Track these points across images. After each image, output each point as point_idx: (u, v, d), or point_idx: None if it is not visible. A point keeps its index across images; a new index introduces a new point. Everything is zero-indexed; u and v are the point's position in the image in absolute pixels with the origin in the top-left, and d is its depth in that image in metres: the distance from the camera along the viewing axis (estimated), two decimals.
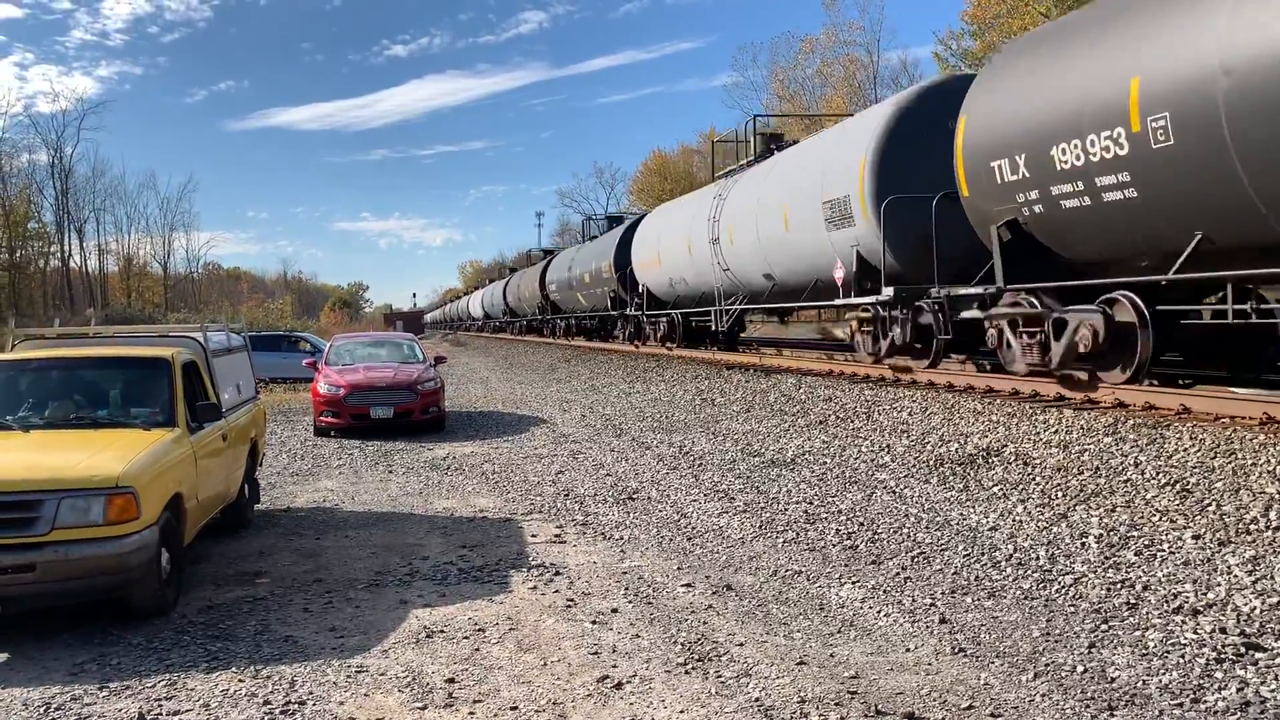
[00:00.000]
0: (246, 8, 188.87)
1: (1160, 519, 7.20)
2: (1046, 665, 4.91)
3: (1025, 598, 6.02)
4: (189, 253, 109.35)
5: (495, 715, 4.67)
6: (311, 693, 4.99)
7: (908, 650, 5.28)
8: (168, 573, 6.44)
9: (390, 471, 12.16)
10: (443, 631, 5.92)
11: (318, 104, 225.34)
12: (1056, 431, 10.15)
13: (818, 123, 46.66)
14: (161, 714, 4.78)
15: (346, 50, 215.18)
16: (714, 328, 25.09)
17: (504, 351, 44.48)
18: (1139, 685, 4.59)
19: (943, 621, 5.67)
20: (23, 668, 5.50)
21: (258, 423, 9.85)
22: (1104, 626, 5.39)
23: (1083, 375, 11.63)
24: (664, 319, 29.60)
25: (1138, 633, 5.26)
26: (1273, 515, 6.74)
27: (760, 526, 8.30)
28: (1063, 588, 6.11)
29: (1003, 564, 6.69)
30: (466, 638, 5.79)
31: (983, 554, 6.95)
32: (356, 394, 15.60)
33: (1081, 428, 10.03)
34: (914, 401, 13.06)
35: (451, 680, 5.11)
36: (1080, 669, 4.83)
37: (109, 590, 6.03)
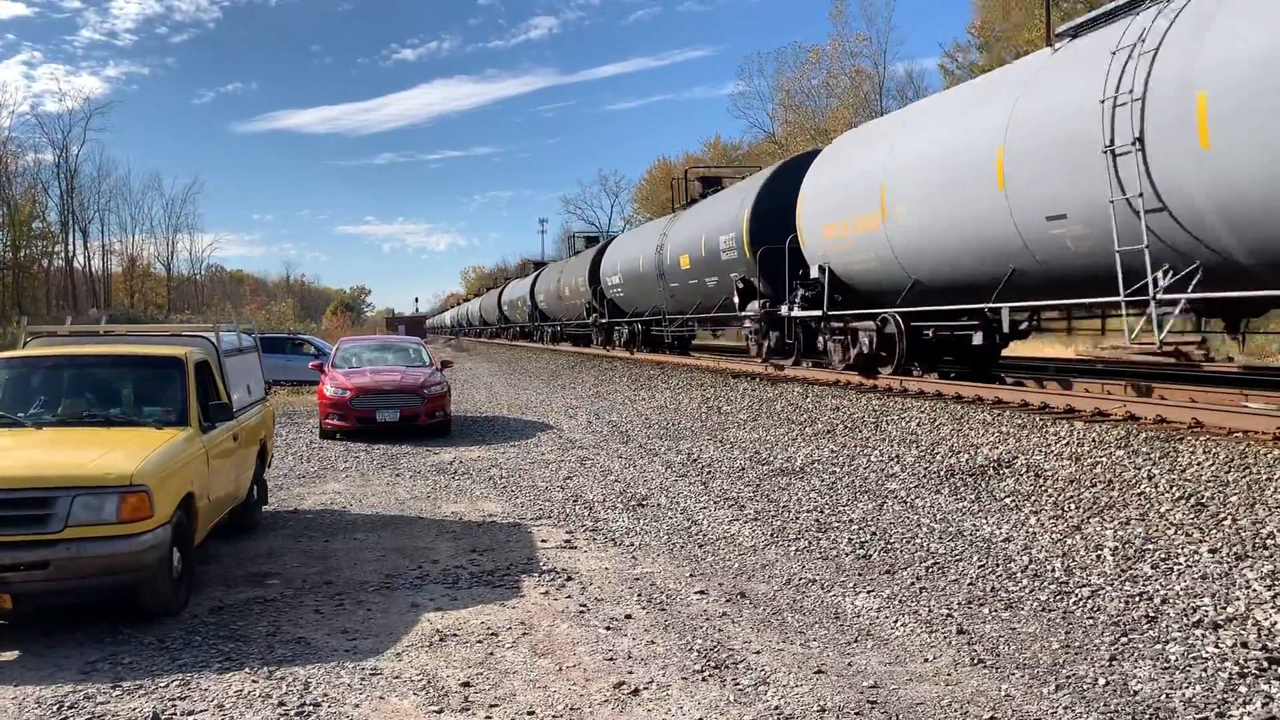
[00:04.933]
0: (256, 9, 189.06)
1: (1175, 532, 7.15)
2: (1068, 677, 4.88)
3: (1043, 609, 5.98)
4: (193, 254, 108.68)
5: (512, 719, 4.64)
6: (326, 694, 4.96)
7: (926, 660, 5.24)
8: (179, 572, 6.42)
9: (397, 475, 12.13)
10: (456, 635, 5.88)
11: (325, 107, 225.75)
12: (1068, 444, 10.11)
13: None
14: (176, 714, 4.75)
15: (355, 53, 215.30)
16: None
17: (507, 357, 44.46)
18: (1162, 699, 4.55)
19: (960, 632, 5.64)
20: (34, 665, 5.47)
21: (267, 424, 9.83)
22: (1124, 639, 5.35)
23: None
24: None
25: (1158, 646, 5.22)
26: None
27: (772, 534, 8.26)
28: (1080, 600, 6.07)
29: (1018, 575, 6.66)
30: (480, 641, 5.76)
31: (998, 565, 6.91)
32: (363, 397, 15.58)
33: (1093, 440, 9.99)
34: (922, 412, 13.02)
35: (467, 684, 5.07)
36: (1102, 681, 4.79)
37: (121, 589, 6.00)
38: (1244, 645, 5.10)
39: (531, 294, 53.47)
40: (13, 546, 5.66)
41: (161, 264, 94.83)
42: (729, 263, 22.07)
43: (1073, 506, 8.19)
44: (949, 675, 5.01)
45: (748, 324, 21.74)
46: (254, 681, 5.15)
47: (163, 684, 5.13)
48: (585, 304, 38.87)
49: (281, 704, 4.84)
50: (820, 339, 17.97)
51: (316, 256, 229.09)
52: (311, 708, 4.79)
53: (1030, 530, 7.72)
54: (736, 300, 21.36)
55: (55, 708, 4.84)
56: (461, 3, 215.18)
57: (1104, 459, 9.28)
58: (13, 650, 5.71)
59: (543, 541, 8.35)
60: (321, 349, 27.69)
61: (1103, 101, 10.22)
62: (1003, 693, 4.74)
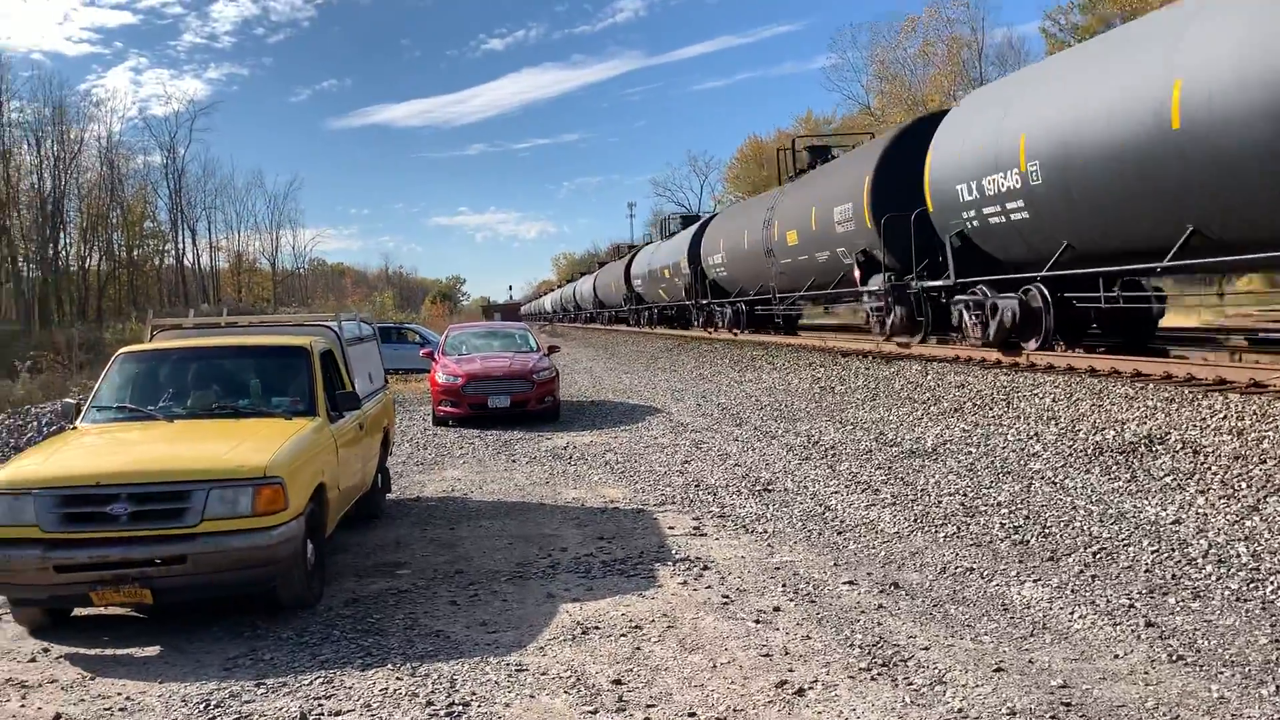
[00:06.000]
0: (348, 6, 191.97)
1: None
2: None
3: (1236, 599, 5.45)
4: (295, 249, 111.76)
5: None
6: (474, 693, 4.74)
7: (1116, 657, 4.79)
8: (313, 564, 6.30)
9: (513, 461, 11.99)
10: (597, 628, 5.63)
11: (417, 100, 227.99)
12: (1225, 417, 9.41)
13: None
14: (324, 714, 4.59)
15: (445, 46, 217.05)
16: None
17: (603, 342, 44.37)
18: None
19: (1149, 625, 5.16)
20: (176, 661, 5.39)
21: (388, 411, 9.74)
22: None
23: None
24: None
25: None
26: None
27: (915, 520, 7.83)
28: (1278, 588, 5.52)
29: (1199, 562, 6.11)
30: (624, 635, 5.49)
31: (1173, 550, 6.37)
32: (474, 384, 15.53)
33: (1254, 413, 9.28)
34: (1056, 387, 12.36)
35: (618, 682, 4.81)
36: None
37: (257, 582, 5.89)
38: None
39: (693, 257, 35.72)
40: (152, 541, 5.59)
41: (266, 259, 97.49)
42: None
43: (1243, 485, 7.57)
44: (1146, 674, 4.56)
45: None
46: (398, 679, 4.96)
47: (306, 681, 4.99)
48: (856, 256, 20.31)
49: (429, 703, 4.63)
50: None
51: (413, 248, 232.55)
52: (460, 707, 4.58)
53: (1200, 511, 7.14)
54: None
55: (201, 706, 4.73)
56: None
57: (1271, 433, 8.59)
58: (154, 646, 5.66)
59: (670, 528, 8.06)
60: (427, 337, 27.92)
61: None
62: (1214, 694, 4.27)
